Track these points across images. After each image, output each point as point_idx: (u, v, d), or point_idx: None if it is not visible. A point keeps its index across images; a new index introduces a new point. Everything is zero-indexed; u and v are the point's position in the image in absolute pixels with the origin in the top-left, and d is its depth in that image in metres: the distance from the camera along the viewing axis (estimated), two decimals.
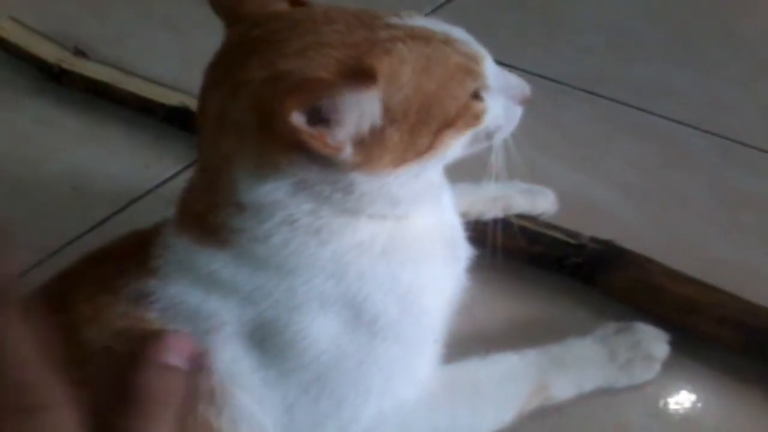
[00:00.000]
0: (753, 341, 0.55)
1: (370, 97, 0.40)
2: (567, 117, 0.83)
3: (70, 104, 0.87)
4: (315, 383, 0.45)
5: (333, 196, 0.43)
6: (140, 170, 0.78)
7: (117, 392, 0.42)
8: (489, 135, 0.47)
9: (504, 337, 0.57)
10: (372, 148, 0.41)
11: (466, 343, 0.51)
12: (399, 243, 0.46)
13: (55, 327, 0.44)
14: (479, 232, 0.57)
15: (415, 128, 0.42)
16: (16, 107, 0.89)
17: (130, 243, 0.49)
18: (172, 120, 0.80)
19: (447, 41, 0.43)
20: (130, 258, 0.47)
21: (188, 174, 0.49)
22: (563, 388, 0.53)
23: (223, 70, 0.44)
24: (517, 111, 0.48)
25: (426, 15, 0.46)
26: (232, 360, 0.44)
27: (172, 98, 0.80)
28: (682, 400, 0.55)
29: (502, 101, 0.46)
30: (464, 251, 0.53)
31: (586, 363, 0.54)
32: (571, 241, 0.62)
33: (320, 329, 0.44)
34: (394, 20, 0.43)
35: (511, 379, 0.52)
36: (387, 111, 0.41)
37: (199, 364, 0.43)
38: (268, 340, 0.44)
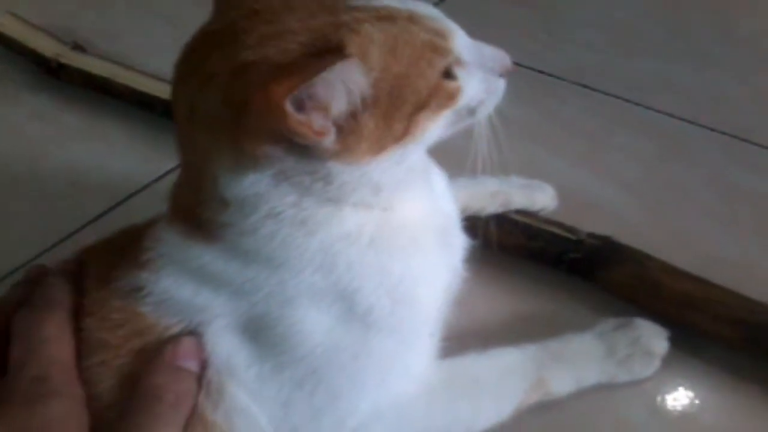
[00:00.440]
0: (751, 338, 0.55)
1: (353, 69, 0.39)
2: (566, 112, 0.83)
3: (68, 99, 0.87)
4: (310, 377, 0.45)
5: (313, 186, 0.43)
6: (138, 165, 0.78)
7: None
8: (472, 111, 0.46)
9: (503, 333, 0.57)
10: (348, 136, 0.41)
11: (464, 338, 0.51)
12: (388, 232, 0.46)
13: None
14: (477, 227, 0.56)
15: (388, 113, 0.41)
16: (13, 102, 0.88)
17: (125, 237, 0.49)
18: (171, 114, 0.79)
19: (412, 18, 0.42)
20: (124, 252, 0.47)
21: None
22: (562, 384, 0.52)
23: (188, 66, 0.43)
24: (500, 83, 0.46)
25: None
26: (226, 354, 0.44)
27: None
28: (680, 396, 0.55)
29: (480, 75, 0.45)
30: (460, 241, 0.53)
31: (585, 358, 0.54)
32: (570, 236, 0.62)
33: (313, 322, 0.44)
34: (357, 2, 0.42)
35: (510, 374, 0.52)
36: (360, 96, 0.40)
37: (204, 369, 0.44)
38: (261, 334, 0.44)
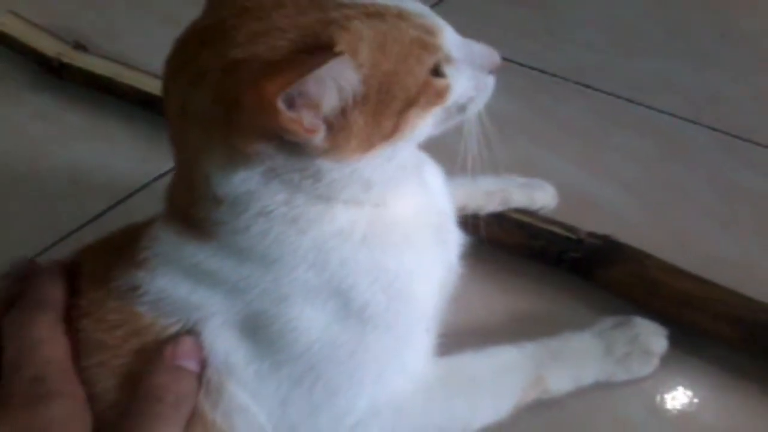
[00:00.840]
0: (750, 337, 0.55)
1: (345, 66, 0.39)
2: (566, 111, 0.83)
3: (69, 98, 0.87)
4: (308, 374, 0.45)
5: (303, 183, 0.43)
6: (139, 164, 0.78)
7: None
8: (461, 108, 0.46)
9: (501, 332, 0.57)
10: (338, 134, 0.41)
11: (462, 336, 0.51)
12: (380, 229, 0.46)
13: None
14: (474, 226, 0.56)
15: (378, 110, 0.41)
16: (15, 101, 0.88)
17: (122, 237, 0.49)
18: None
19: (401, 15, 0.42)
20: (121, 252, 0.47)
21: None
22: (561, 382, 0.52)
23: (178, 63, 0.43)
24: (489, 80, 0.46)
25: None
26: (224, 352, 0.44)
27: None
28: (679, 395, 0.55)
29: (469, 72, 0.45)
30: (455, 237, 0.53)
31: (583, 357, 0.54)
32: (570, 235, 0.62)
33: (309, 319, 0.44)
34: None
35: (509, 372, 0.52)
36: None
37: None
38: (258, 332, 0.44)
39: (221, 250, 0.44)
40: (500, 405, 0.50)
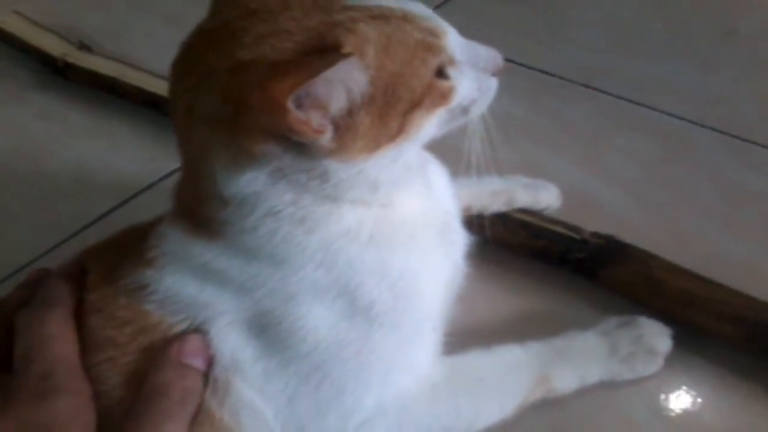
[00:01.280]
0: (753, 337, 0.55)
1: (354, 68, 0.40)
2: (569, 112, 0.83)
3: (74, 98, 0.87)
4: (315, 373, 0.45)
5: (310, 183, 0.43)
6: (144, 163, 0.78)
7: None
8: (465, 110, 0.46)
9: (506, 332, 0.57)
10: (344, 134, 0.41)
11: (467, 336, 0.51)
12: (387, 229, 0.46)
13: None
14: (479, 226, 0.57)
15: (383, 111, 0.42)
16: (19, 101, 0.89)
17: (129, 236, 0.50)
18: None
19: (406, 18, 0.43)
20: (128, 250, 0.47)
21: None
22: (566, 381, 0.53)
23: (185, 65, 0.43)
24: (492, 83, 0.47)
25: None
26: (232, 350, 0.45)
27: None
28: (683, 395, 0.55)
29: (472, 74, 0.45)
30: (460, 236, 0.53)
31: (588, 356, 0.54)
32: (574, 236, 0.62)
33: (317, 318, 0.44)
34: (351, 2, 0.42)
35: (514, 371, 0.52)
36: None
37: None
38: (266, 330, 0.45)
39: (229, 250, 0.44)
40: (505, 404, 0.51)
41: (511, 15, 1.00)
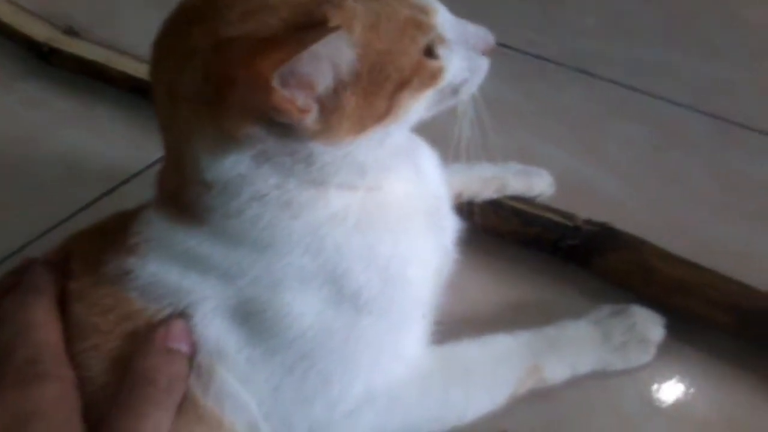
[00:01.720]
0: (745, 323, 0.55)
1: (341, 42, 0.39)
2: (564, 98, 0.83)
3: (60, 84, 0.86)
4: (301, 361, 0.44)
5: (295, 167, 0.42)
6: (131, 151, 0.78)
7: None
8: (455, 90, 0.45)
9: (498, 320, 0.57)
10: (330, 115, 0.40)
11: (458, 325, 0.51)
12: (374, 214, 0.46)
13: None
14: (470, 213, 0.56)
15: (370, 91, 0.41)
16: (5, 88, 0.88)
17: (114, 223, 0.49)
18: None
19: None
20: (112, 237, 0.47)
21: None
22: (557, 371, 0.52)
23: (166, 44, 0.43)
24: (483, 62, 0.46)
25: None
26: (216, 338, 0.44)
27: None
28: (676, 384, 0.55)
29: (463, 53, 0.44)
30: (450, 222, 0.52)
31: (580, 345, 0.54)
32: (567, 223, 0.62)
33: (303, 305, 0.44)
34: None
35: (505, 360, 0.52)
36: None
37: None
38: (251, 318, 0.44)
39: (213, 235, 0.44)
40: (496, 394, 0.50)
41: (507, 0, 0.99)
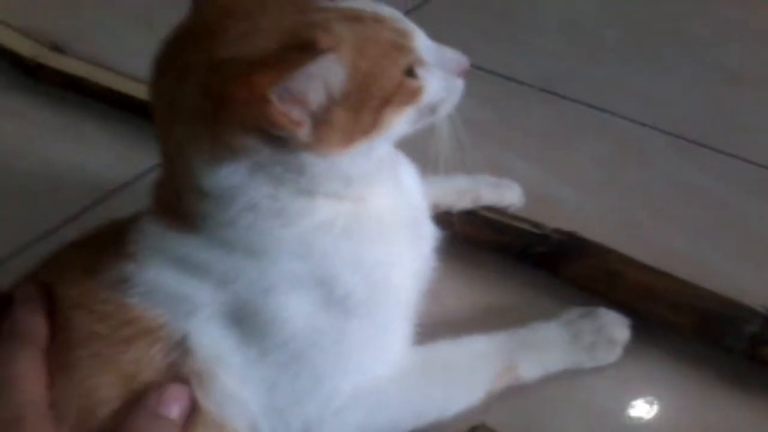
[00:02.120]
0: (704, 325, 0.58)
1: (334, 63, 0.42)
2: (530, 117, 0.86)
3: (46, 99, 0.87)
4: (293, 362, 0.46)
5: (286, 176, 0.44)
6: (116, 164, 0.78)
7: None
8: (433, 109, 0.48)
9: (472, 324, 0.58)
10: (321, 128, 0.43)
11: (436, 328, 0.53)
12: (360, 223, 0.48)
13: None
14: (447, 222, 0.59)
15: (357, 107, 0.43)
16: None
17: (108, 231, 0.50)
18: (149, 115, 0.80)
19: (377, 19, 0.45)
20: (108, 245, 0.48)
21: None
22: (530, 369, 0.55)
23: (166, 62, 0.45)
24: (458, 84, 0.49)
25: None
26: (213, 341, 0.46)
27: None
28: (641, 382, 0.58)
29: (440, 74, 0.47)
30: (429, 231, 0.55)
31: (551, 345, 0.56)
32: (536, 231, 0.64)
33: (294, 309, 0.46)
34: (326, 3, 0.45)
35: (481, 360, 0.54)
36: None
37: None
38: (246, 321, 0.46)
39: (208, 242, 0.45)
40: (473, 391, 0.52)
41: (474, 22, 1.01)
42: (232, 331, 0.46)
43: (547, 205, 0.70)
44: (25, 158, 0.80)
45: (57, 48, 0.90)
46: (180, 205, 0.46)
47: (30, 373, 0.44)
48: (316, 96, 0.42)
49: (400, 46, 0.45)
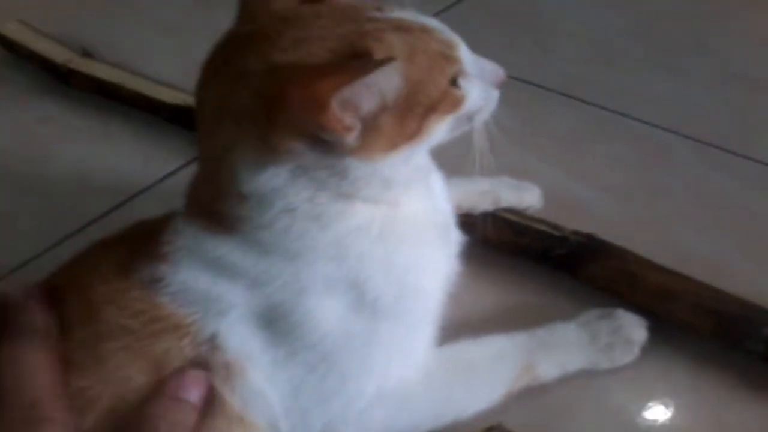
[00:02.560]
0: (722, 327, 0.58)
1: (395, 72, 0.43)
2: (553, 121, 0.86)
3: (75, 104, 0.89)
4: (322, 362, 0.47)
5: (329, 180, 0.45)
6: (142, 167, 0.80)
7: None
8: (470, 117, 0.49)
9: (492, 324, 0.59)
10: (368, 133, 0.44)
11: (456, 329, 0.54)
12: (394, 227, 0.49)
13: (77, 305, 0.48)
14: (469, 224, 0.59)
15: (404, 114, 0.44)
16: (22, 106, 0.90)
17: (139, 231, 0.51)
18: (176, 119, 0.82)
19: (425, 30, 0.46)
20: (141, 244, 0.49)
21: (187, 170, 0.50)
22: (548, 369, 0.55)
23: (219, 64, 0.46)
24: (495, 94, 0.50)
25: None
26: (242, 341, 0.46)
27: (175, 98, 0.82)
28: (658, 383, 0.58)
29: (479, 85, 0.48)
30: (455, 236, 0.56)
31: (569, 345, 0.57)
32: (555, 233, 0.65)
33: (326, 310, 0.47)
34: (377, 14, 0.46)
35: (502, 360, 0.54)
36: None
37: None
38: (276, 322, 0.46)
39: (244, 244, 0.46)
40: (494, 391, 0.53)
41: (499, 29, 1.02)
42: (262, 332, 0.47)
43: (567, 208, 0.70)
44: (56, 160, 0.82)
45: (87, 54, 0.92)
46: (216, 207, 0.46)
47: (45, 364, 0.45)
48: (371, 103, 0.43)
49: (447, 56, 0.46)
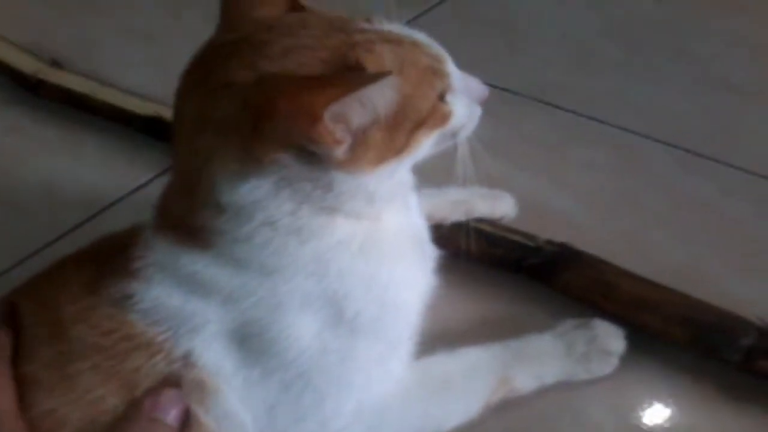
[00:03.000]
0: (699, 337, 0.58)
1: (390, 86, 0.42)
2: (527, 127, 0.86)
3: (45, 114, 0.88)
4: (298, 381, 0.46)
5: (313, 193, 0.44)
6: (113, 178, 0.79)
7: None
8: (454, 133, 0.49)
9: (468, 336, 0.58)
10: (357, 147, 0.43)
11: (432, 341, 0.53)
12: (375, 242, 0.48)
13: (44, 324, 0.47)
14: (442, 235, 0.59)
15: (393, 128, 0.44)
16: None
17: (107, 246, 0.50)
18: (147, 130, 0.81)
19: (415, 44, 0.46)
20: (110, 260, 0.48)
21: (159, 182, 0.49)
22: (525, 381, 0.55)
23: (200, 73, 0.45)
24: (477, 110, 0.50)
25: None
26: (216, 359, 0.46)
27: (147, 109, 0.81)
28: (637, 394, 0.58)
29: (464, 101, 0.48)
30: (431, 251, 0.55)
31: (545, 357, 0.56)
32: (529, 243, 0.64)
33: (302, 327, 0.46)
34: (366, 25, 0.45)
35: (477, 373, 0.54)
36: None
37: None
38: (250, 340, 0.46)
39: (219, 259, 0.45)
40: (471, 405, 0.53)
41: (473, 34, 1.02)
42: (235, 350, 0.46)
43: (541, 216, 0.70)
44: (25, 172, 0.81)
45: (57, 64, 0.91)
46: (191, 220, 0.45)
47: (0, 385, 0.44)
48: (363, 117, 0.42)
49: (436, 70, 0.46)
